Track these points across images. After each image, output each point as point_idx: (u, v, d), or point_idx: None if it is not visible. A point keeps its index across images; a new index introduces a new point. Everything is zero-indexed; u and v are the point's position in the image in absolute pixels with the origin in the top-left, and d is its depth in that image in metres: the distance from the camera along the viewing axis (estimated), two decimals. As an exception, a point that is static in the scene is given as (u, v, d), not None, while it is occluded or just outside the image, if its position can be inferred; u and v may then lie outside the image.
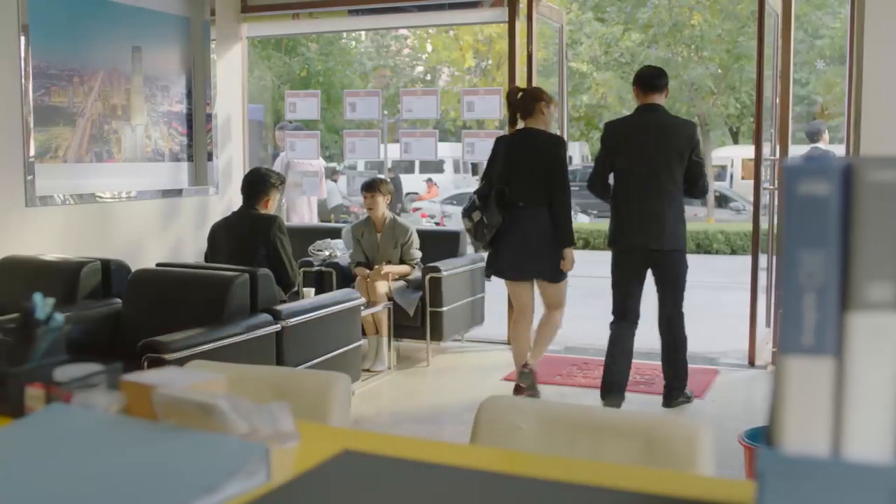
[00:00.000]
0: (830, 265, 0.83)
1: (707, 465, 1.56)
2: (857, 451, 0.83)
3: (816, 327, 0.83)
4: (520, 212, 4.75)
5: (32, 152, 5.13)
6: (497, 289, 6.64)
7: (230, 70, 6.81)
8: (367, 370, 5.46)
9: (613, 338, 4.69)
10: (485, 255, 6.45)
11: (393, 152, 10.59)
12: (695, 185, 4.59)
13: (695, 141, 4.60)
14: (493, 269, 5.00)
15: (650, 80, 4.65)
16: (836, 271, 0.83)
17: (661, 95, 4.64)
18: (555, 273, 4.82)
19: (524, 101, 4.87)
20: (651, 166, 4.53)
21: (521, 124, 4.97)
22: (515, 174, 4.78)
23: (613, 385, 4.67)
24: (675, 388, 4.78)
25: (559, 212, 4.72)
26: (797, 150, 6.56)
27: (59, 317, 1.67)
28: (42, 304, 1.66)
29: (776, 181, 5.86)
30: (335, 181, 16.62)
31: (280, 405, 1.41)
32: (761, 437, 3.25)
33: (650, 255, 4.58)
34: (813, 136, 7.34)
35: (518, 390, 4.91)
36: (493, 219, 4.74)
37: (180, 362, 3.37)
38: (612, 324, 4.72)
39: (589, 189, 4.82)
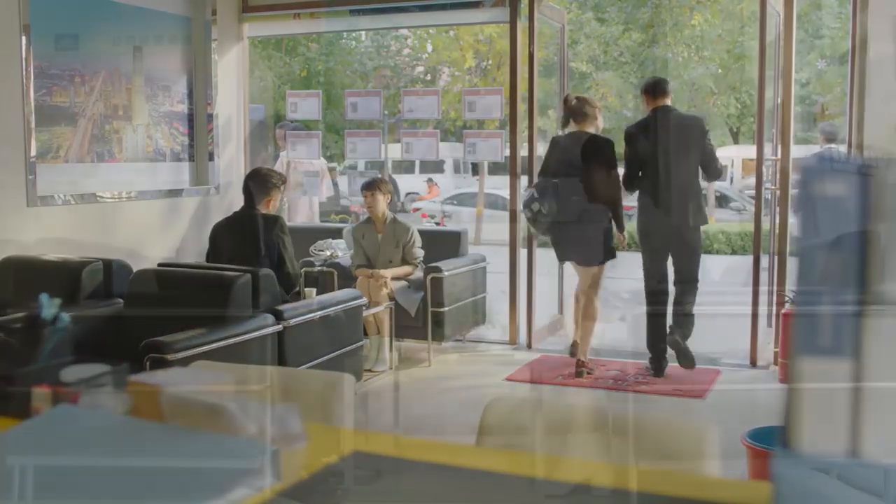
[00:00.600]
0: (847, 266, 0.82)
1: (713, 466, 1.55)
2: (874, 453, 0.83)
3: (833, 328, 0.83)
4: (574, 205, 5.30)
5: (34, 152, 5.12)
6: (498, 288, 6.65)
7: (231, 70, 6.81)
8: (369, 370, 5.45)
9: (650, 300, 5.42)
10: (485, 255, 6.55)
11: (394, 152, 10.57)
12: (710, 169, 5.32)
13: (706, 131, 5.40)
14: (561, 255, 5.71)
15: (658, 87, 5.40)
16: (852, 272, 0.82)
17: (667, 98, 5.38)
18: (599, 256, 5.44)
19: (580, 105, 5.48)
20: (675, 159, 5.19)
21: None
22: (569, 171, 5.33)
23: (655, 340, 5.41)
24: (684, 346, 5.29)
25: (611, 203, 5.32)
26: (798, 151, 6.57)
27: (66, 317, 1.67)
28: (48, 305, 1.66)
29: (777, 181, 5.86)
30: (334, 181, 16.50)
31: (288, 407, 1.41)
32: (764, 438, 3.21)
33: (679, 231, 5.25)
34: (830, 137, 7.43)
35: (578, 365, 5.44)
36: (551, 209, 5.31)
37: (182, 362, 3.37)
38: (646, 286, 5.43)
39: (627, 187, 5.40)
